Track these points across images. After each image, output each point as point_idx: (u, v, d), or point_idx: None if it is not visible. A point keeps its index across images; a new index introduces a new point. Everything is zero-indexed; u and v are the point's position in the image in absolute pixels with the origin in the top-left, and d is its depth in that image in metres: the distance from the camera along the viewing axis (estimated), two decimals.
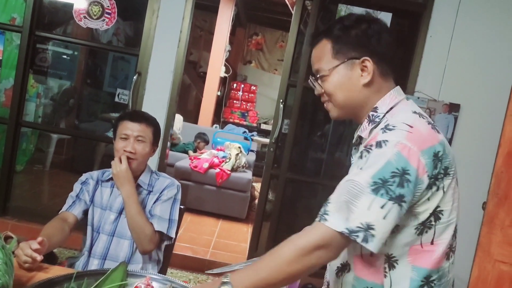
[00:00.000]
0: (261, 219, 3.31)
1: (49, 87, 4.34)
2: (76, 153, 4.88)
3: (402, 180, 0.92)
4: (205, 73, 7.52)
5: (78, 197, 1.70)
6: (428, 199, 0.99)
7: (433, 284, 1.03)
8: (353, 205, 0.93)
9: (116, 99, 3.20)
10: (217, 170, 4.46)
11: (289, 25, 3.21)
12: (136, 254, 1.66)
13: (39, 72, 3.61)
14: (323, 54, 1.10)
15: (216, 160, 4.59)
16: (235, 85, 8.29)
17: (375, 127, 1.06)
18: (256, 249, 3.30)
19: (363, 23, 1.08)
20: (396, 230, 0.99)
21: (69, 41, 3.47)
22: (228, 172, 4.47)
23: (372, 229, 0.92)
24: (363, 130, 1.10)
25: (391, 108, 1.07)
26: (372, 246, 0.92)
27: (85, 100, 4.35)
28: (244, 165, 4.75)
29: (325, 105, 1.15)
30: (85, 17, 3.04)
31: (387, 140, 0.96)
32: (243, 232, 4.15)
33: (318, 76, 1.11)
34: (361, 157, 1.00)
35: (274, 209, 3.28)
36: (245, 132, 6.80)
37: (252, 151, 5.93)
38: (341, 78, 1.08)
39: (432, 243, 1.02)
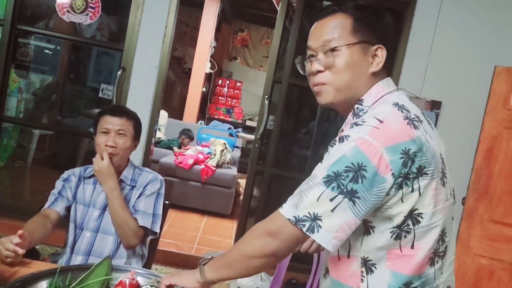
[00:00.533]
0: (246, 215, 3.32)
1: (31, 82, 4.27)
2: (58, 149, 4.82)
3: (357, 175, 0.89)
4: (190, 69, 7.48)
5: (60, 194, 1.68)
6: (402, 200, 0.93)
7: None
8: (305, 195, 0.92)
9: (100, 94, 3.16)
10: (202, 166, 4.45)
11: (275, 21, 3.22)
12: (121, 249, 1.65)
13: (21, 66, 3.55)
14: (341, 27, 1.01)
15: (201, 156, 4.58)
16: (220, 81, 8.27)
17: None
18: None
19: (386, 15, 1.06)
20: (368, 232, 0.97)
21: (51, 35, 3.42)
22: (213, 168, 4.47)
23: (319, 220, 0.90)
24: (347, 123, 1.05)
25: (376, 101, 1.02)
26: (319, 237, 0.91)
27: (68, 95, 4.30)
28: (229, 161, 4.76)
29: (316, 88, 1.06)
30: (68, 11, 3.00)
31: (348, 135, 0.93)
32: (228, 228, 4.16)
33: (330, 48, 1.01)
34: (327, 151, 0.98)
35: (258, 205, 3.30)
36: (230, 128, 6.80)
37: (237, 147, 5.94)
38: (353, 59, 1.00)
39: (412, 247, 0.97)
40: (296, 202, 0.93)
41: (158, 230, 1.69)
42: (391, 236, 0.96)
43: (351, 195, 0.90)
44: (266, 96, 3.18)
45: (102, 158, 1.62)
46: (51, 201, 1.67)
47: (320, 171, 0.93)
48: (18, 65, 3.48)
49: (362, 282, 0.99)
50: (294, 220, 0.92)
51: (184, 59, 8.52)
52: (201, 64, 7.02)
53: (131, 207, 1.66)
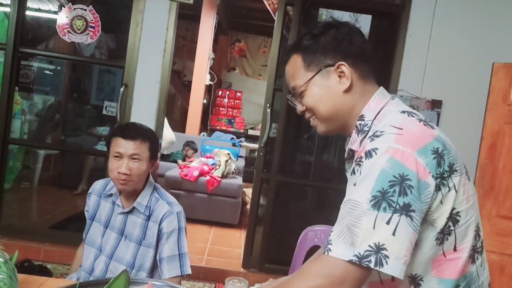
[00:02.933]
0: (254, 223, 3.34)
1: (34, 103, 4.32)
2: (63, 169, 4.85)
3: (403, 187, 0.83)
4: (189, 82, 7.53)
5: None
6: (441, 202, 0.89)
7: None
8: (356, 227, 0.83)
9: (104, 112, 3.20)
10: (208, 177, 4.48)
11: (271, 30, 3.27)
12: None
13: (24, 88, 3.59)
14: (296, 70, 1.03)
15: (206, 168, 4.61)
16: (220, 92, 8.32)
17: (364, 137, 0.98)
18: (250, 254, 3.32)
19: (331, 28, 1.02)
20: (416, 246, 0.90)
21: (54, 56, 3.48)
22: (219, 179, 4.49)
23: (384, 249, 0.81)
24: (353, 142, 1.01)
25: (378, 113, 0.99)
26: (391, 269, 0.82)
27: (72, 114, 4.34)
28: (234, 171, 4.78)
29: (311, 122, 1.07)
30: (69, 32, 3.04)
31: (376, 148, 0.87)
32: (236, 238, 4.17)
33: (295, 92, 1.04)
34: (353, 172, 0.92)
35: (266, 213, 3.31)
36: (233, 138, 6.82)
37: (241, 157, 5.96)
38: (320, 90, 1.01)
39: (455, 249, 0.93)
40: (350, 239, 0.83)
41: (189, 272, 1.59)
42: (436, 243, 0.92)
43: (406, 211, 0.83)
44: (268, 105, 3.21)
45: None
46: (88, 229, 1.67)
47: (362, 194, 0.85)
48: (21, 87, 3.52)
49: None
50: (357, 260, 0.82)
51: (184, 72, 8.59)
52: (201, 76, 7.08)
53: (148, 242, 1.56)
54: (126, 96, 3.10)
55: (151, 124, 3.13)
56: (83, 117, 4.20)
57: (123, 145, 1.52)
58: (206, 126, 8.01)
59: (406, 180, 0.83)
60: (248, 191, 4.75)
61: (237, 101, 8.33)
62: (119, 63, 3.19)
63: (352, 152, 1.06)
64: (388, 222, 0.82)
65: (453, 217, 0.91)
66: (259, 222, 3.39)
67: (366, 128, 0.99)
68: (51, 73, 4.01)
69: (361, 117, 1.01)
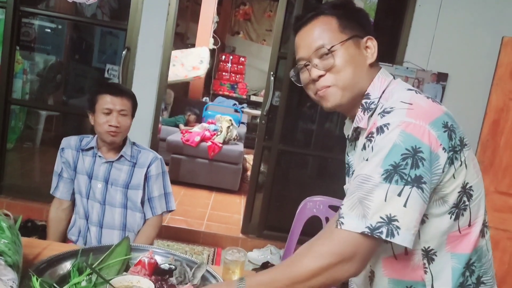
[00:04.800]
0: (254, 190, 3.37)
1: (35, 63, 4.27)
2: (65, 129, 4.85)
3: (416, 160, 0.84)
4: (193, 45, 7.41)
5: (61, 175, 1.79)
6: (454, 176, 0.90)
7: (474, 267, 0.97)
8: (368, 200, 0.84)
9: (106, 75, 3.17)
10: (209, 143, 4.49)
11: None
12: (129, 221, 1.73)
13: (24, 48, 3.54)
14: (329, 30, 1.00)
15: (207, 133, 4.61)
16: (223, 57, 8.21)
17: (371, 114, 0.99)
18: (250, 220, 3.37)
19: (354, 5, 1.06)
20: (429, 219, 0.92)
21: (55, 16, 3.40)
22: (220, 145, 4.50)
23: (395, 220, 0.83)
24: (360, 120, 1.01)
25: (383, 92, 1.00)
26: (401, 239, 0.83)
27: (73, 76, 4.30)
28: (235, 137, 4.78)
29: (320, 92, 1.02)
30: None
31: (388, 123, 0.88)
32: (236, 204, 4.23)
33: (325, 51, 0.99)
34: (364, 148, 0.93)
35: (266, 181, 3.34)
36: (235, 104, 6.80)
37: (242, 123, 5.96)
38: (351, 54, 0.99)
39: (469, 225, 0.94)
40: (361, 211, 0.85)
41: (174, 207, 1.82)
42: (451, 218, 0.93)
43: (418, 183, 0.84)
44: (272, 73, 3.17)
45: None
46: (55, 185, 1.80)
47: (374, 169, 0.86)
48: (22, 47, 3.47)
49: (426, 273, 0.95)
50: (369, 231, 0.83)
51: (186, 35, 8.44)
52: (204, 40, 6.96)
53: (135, 184, 1.72)
54: (128, 60, 3.06)
55: (153, 88, 3.10)
56: (84, 79, 4.16)
57: (111, 101, 1.67)
58: (208, 91, 7.95)
59: (418, 153, 0.84)
60: (249, 158, 4.77)
61: (241, 66, 8.23)
62: (121, 25, 3.13)
63: (356, 132, 1.06)
64: (399, 194, 0.83)
65: (467, 192, 0.92)
66: (259, 189, 3.42)
67: (372, 106, 0.99)
68: (52, 32, 3.94)
69: (367, 95, 1.01)
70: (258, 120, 3.55)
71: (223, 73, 8.18)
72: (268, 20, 8.86)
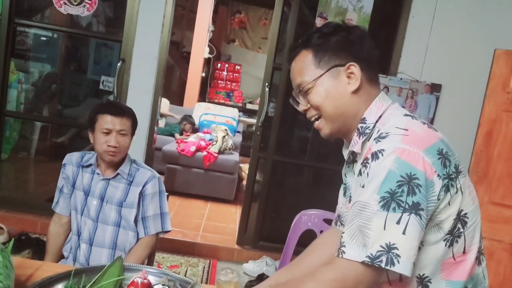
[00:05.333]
0: (249, 202, 3.37)
1: (30, 74, 4.26)
2: (61, 140, 4.83)
3: (412, 186, 0.84)
4: (188, 53, 7.44)
5: (62, 191, 1.81)
6: (449, 203, 0.90)
7: None
8: (367, 229, 0.85)
9: (101, 86, 3.17)
10: (204, 153, 4.49)
11: (272, 2, 3.18)
12: (120, 240, 1.72)
13: (19, 56, 3.54)
14: (305, 66, 1.03)
15: (203, 143, 4.61)
16: (219, 65, 8.23)
17: (367, 139, 1.00)
18: (245, 231, 3.37)
19: (342, 30, 1.03)
20: (424, 246, 0.92)
21: (49, 28, 3.41)
22: (215, 154, 4.50)
23: (395, 248, 0.83)
24: (354, 144, 1.03)
25: (380, 117, 1.00)
26: (402, 268, 0.83)
27: (68, 86, 4.30)
28: (231, 147, 4.79)
29: (315, 124, 1.07)
30: (65, 3, 2.98)
31: (382, 149, 0.88)
32: (232, 213, 4.22)
33: (301, 89, 1.04)
34: (360, 174, 0.93)
35: (261, 192, 3.34)
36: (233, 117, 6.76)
37: (238, 132, 5.96)
38: (328, 88, 1.01)
39: (464, 252, 0.95)
40: (362, 240, 0.85)
41: (170, 228, 1.79)
42: (445, 245, 0.93)
43: (416, 209, 0.84)
44: (267, 84, 3.18)
45: None
46: (57, 200, 1.82)
47: (370, 196, 0.86)
48: (17, 56, 3.46)
49: None
50: (369, 261, 0.84)
51: (182, 43, 8.46)
52: (200, 49, 6.98)
53: (129, 203, 1.72)
54: (123, 71, 3.07)
55: (148, 99, 3.11)
56: (80, 89, 4.17)
57: (111, 121, 1.67)
58: (204, 99, 7.95)
59: (414, 180, 0.85)
60: (245, 167, 4.77)
61: (236, 74, 8.24)
62: (116, 37, 3.14)
63: (353, 155, 1.07)
64: (398, 222, 0.84)
65: (462, 219, 0.93)
66: (255, 199, 3.42)
67: (367, 131, 1.00)
68: (47, 43, 3.94)
69: (363, 120, 1.02)
70: (253, 128, 3.56)
71: (219, 81, 8.19)
72: (263, 28, 8.90)
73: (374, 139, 0.94)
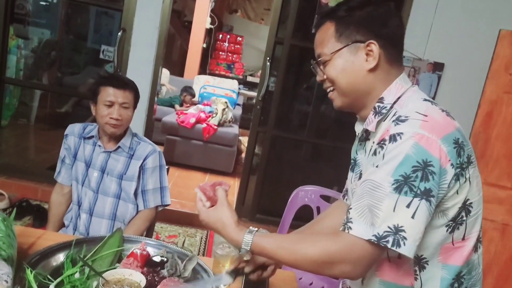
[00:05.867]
0: (247, 175, 3.40)
1: (30, 39, 4.22)
2: (60, 107, 4.82)
3: (426, 173, 0.86)
4: (190, 22, 7.33)
5: (64, 161, 1.83)
6: (457, 192, 0.92)
7: (463, 280, 1.00)
8: (377, 209, 0.87)
9: (101, 56, 3.15)
10: (204, 125, 4.49)
11: None
12: (120, 211, 1.75)
13: (19, 23, 3.49)
14: (326, 38, 1.02)
15: (202, 115, 4.61)
16: (221, 36, 8.12)
17: (382, 119, 1.00)
18: (243, 204, 3.41)
19: (370, 5, 1.00)
20: (426, 230, 0.92)
21: None
22: (215, 127, 4.51)
23: (402, 231, 0.85)
24: (369, 122, 1.03)
25: (399, 98, 1.00)
26: (406, 250, 0.86)
27: (68, 53, 4.26)
28: (230, 119, 4.79)
29: (329, 94, 1.07)
30: None
31: (401, 133, 0.89)
32: (230, 186, 4.26)
33: (319, 60, 1.04)
34: (374, 153, 0.94)
35: (260, 165, 3.37)
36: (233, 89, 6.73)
37: (238, 105, 5.95)
38: (344, 63, 1.00)
39: (463, 238, 0.97)
40: (370, 219, 0.87)
41: (169, 202, 1.82)
42: (447, 230, 0.96)
43: (427, 195, 0.86)
44: (268, 58, 3.16)
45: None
46: (59, 170, 1.84)
47: (384, 177, 0.88)
48: (16, 20, 3.41)
49: (416, 280, 0.99)
50: (375, 240, 0.86)
51: (184, 12, 8.32)
52: (201, 19, 6.87)
53: (129, 176, 1.73)
54: (123, 41, 3.04)
55: (149, 70, 3.09)
56: (79, 57, 4.13)
57: (114, 94, 1.67)
58: (205, 70, 7.89)
59: (428, 166, 0.86)
60: (244, 140, 4.79)
61: (238, 46, 8.15)
62: (117, 5, 3.09)
63: (366, 133, 1.07)
64: (408, 206, 0.86)
65: (467, 208, 0.95)
66: (253, 172, 3.45)
67: (384, 111, 1.00)
68: (47, 10, 3.88)
69: (381, 99, 1.02)
70: (254, 101, 3.56)
71: (220, 53, 8.11)
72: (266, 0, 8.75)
73: (393, 121, 0.94)
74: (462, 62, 2.99)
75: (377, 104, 1.02)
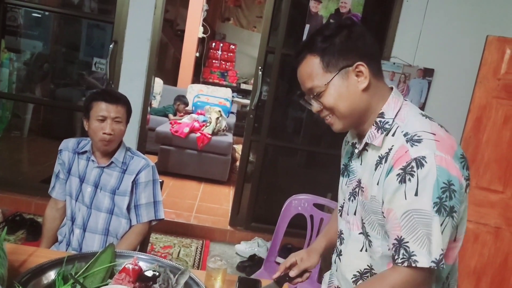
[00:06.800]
0: (242, 184, 3.41)
1: (22, 52, 4.22)
2: (54, 119, 4.82)
3: (450, 192, 0.93)
4: (182, 31, 7.35)
5: (58, 176, 1.83)
6: (463, 201, 1.01)
7: (449, 283, 1.11)
8: (430, 235, 0.94)
9: (93, 68, 3.16)
10: (198, 134, 4.50)
11: None
12: (112, 226, 1.74)
13: (10, 40, 3.50)
14: (314, 71, 1.05)
15: (196, 124, 4.62)
16: (214, 44, 8.15)
17: (386, 134, 1.05)
18: (238, 213, 3.42)
19: (343, 29, 1.03)
20: None
21: (40, 9, 3.37)
22: (209, 136, 4.52)
23: (443, 250, 0.95)
24: (373, 137, 1.07)
25: (398, 112, 1.06)
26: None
27: (60, 65, 4.26)
28: (224, 128, 4.80)
29: (326, 120, 1.10)
30: None
31: (424, 156, 0.94)
32: (225, 194, 4.27)
33: (314, 94, 1.07)
34: (404, 181, 0.96)
35: (254, 173, 3.38)
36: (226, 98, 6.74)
37: (232, 113, 5.96)
38: (339, 89, 1.04)
39: (454, 240, 1.05)
40: (428, 247, 0.94)
41: (163, 216, 1.82)
42: None
43: (451, 212, 0.95)
44: (260, 67, 3.18)
45: None
46: (53, 185, 1.85)
47: (426, 203, 0.93)
48: (8, 33, 3.41)
49: None
50: (435, 265, 0.94)
51: (176, 21, 8.35)
52: (194, 28, 6.90)
53: (122, 191, 1.73)
54: (115, 53, 3.05)
55: (141, 81, 3.10)
56: (72, 69, 4.13)
57: (106, 109, 1.68)
58: (198, 78, 7.91)
59: (451, 185, 0.94)
60: (238, 148, 4.80)
61: (231, 54, 8.18)
62: (108, 18, 3.10)
63: (366, 145, 1.10)
64: (441, 224, 0.94)
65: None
66: (248, 180, 3.46)
67: (387, 126, 1.05)
68: (39, 24, 3.89)
69: (381, 114, 1.07)
70: (248, 108, 3.58)
71: (213, 61, 8.13)
72: (258, 7, 8.79)
73: (407, 142, 0.98)
74: (452, 68, 3.03)
75: (378, 119, 1.06)
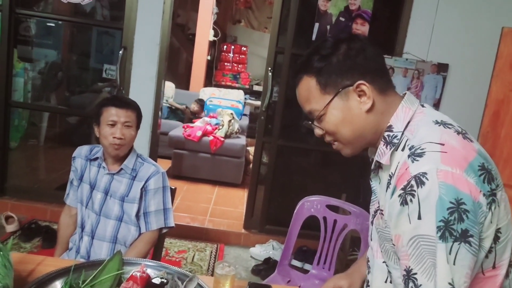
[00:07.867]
0: (255, 187, 3.38)
1: (35, 61, 4.28)
2: (69, 126, 4.88)
3: (459, 213, 0.79)
4: (194, 35, 7.38)
5: (72, 183, 1.84)
6: (491, 221, 0.84)
7: None
8: (436, 266, 0.82)
9: (104, 75, 3.18)
10: (211, 137, 4.50)
11: None
12: (121, 234, 1.73)
13: (23, 49, 3.55)
14: (311, 93, 0.97)
15: (209, 128, 4.62)
16: (225, 47, 8.16)
17: (395, 149, 0.93)
18: (251, 216, 3.39)
19: (341, 44, 0.95)
20: None
21: (50, 18, 3.41)
22: (222, 139, 4.51)
23: (453, 282, 0.81)
24: (382, 155, 0.96)
25: (408, 123, 0.93)
26: None
27: (73, 77, 4.32)
28: (237, 131, 4.79)
29: (333, 146, 1.02)
30: None
31: (425, 173, 0.82)
32: (240, 197, 4.25)
33: (314, 117, 0.98)
34: (405, 202, 0.85)
35: (267, 175, 3.35)
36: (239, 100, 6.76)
37: (245, 115, 5.95)
38: (340, 112, 0.95)
39: (494, 267, 0.90)
40: (435, 277, 0.83)
41: (173, 224, 1.79)
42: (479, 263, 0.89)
43: (464, 237, 0.80)
44: (270, 68, 3.15)
45: None
46: (68, 192, 1.87)
47: (429, 227, 0.82)
48: (20, 48, 3.47)
49: None
50: None
51: (187, 25, 8.39)
52: (204, 32, 6.91)
53: (131, 198, 1.72)
54: (125, 59, 3.06)
55: (151, 86, 3.10)
56: (85, 77, 4.18)
57: (116, 114, 1.69)
58: (210, 81, 7.93)
59: (461, 205, 0.80)
60: (252, 150, 4.77)
61: (242, 56, 8.18)
62: (117, 24, 3.12)
63: (379, 163, 1.01)
64: (450, 252, 0.81)
65: (496, 234, 0.87)
66: (261, 182, 3.43)
67: (395, 140, 0.94)
68: (50, 33, 3.94)
69: (389, 128, 0.95)
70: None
71: (225, 63, 8.14)
72: (269, 7, 8.76)
73: (409, 157, 0.87)
74: (467, 62, 2.95)
75: (386, 133, 0.95)
